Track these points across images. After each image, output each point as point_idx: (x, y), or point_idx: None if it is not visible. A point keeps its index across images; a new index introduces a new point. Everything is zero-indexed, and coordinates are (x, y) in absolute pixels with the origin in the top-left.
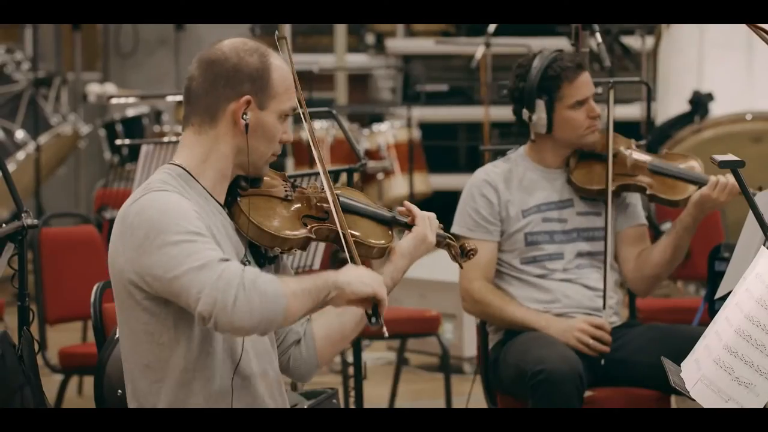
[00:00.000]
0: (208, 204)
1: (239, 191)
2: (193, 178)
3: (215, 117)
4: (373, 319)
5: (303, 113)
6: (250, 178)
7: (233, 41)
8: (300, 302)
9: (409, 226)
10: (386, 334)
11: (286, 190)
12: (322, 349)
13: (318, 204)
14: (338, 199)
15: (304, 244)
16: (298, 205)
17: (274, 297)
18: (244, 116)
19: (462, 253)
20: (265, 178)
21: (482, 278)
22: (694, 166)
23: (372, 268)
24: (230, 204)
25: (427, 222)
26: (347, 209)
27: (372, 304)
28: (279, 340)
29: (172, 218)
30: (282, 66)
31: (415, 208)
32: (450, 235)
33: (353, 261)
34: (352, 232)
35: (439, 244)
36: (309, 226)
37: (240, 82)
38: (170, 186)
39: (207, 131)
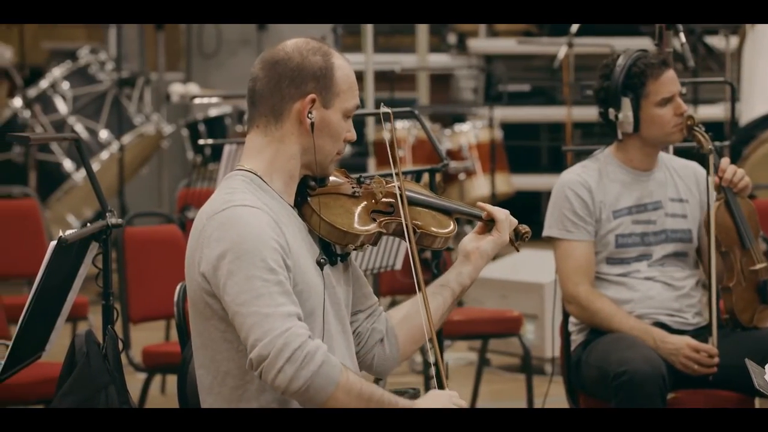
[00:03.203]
0: (282, 207)
1: (308, 191)
2: (265, 182)
3: (280, 117)
4: None
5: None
6: (317, 177)
7: (296, 41)
8: (350, 401)
9: (485, 221)
10: None
11: (353, 187)
12: (405, 345)
13: (384, 199)
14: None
15: (375, 239)
16: (365, 201)
17: (324, 381)
18: (310, 115)
19: (517, 237)
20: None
21: (586, 282)
22: None
23: (450, 263)
24: (300, 204)
25: (507, 224)
26: (410, 201)
27: None
28: (363, 340)
29: (252, 245)
30: (344, 65)
31: (492, 209)
32: None
33: (412, 257)
34: (416, 222)
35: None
36: (378, 221)
37: (304, 81)
38: (250, 197)
39: (272, 132)
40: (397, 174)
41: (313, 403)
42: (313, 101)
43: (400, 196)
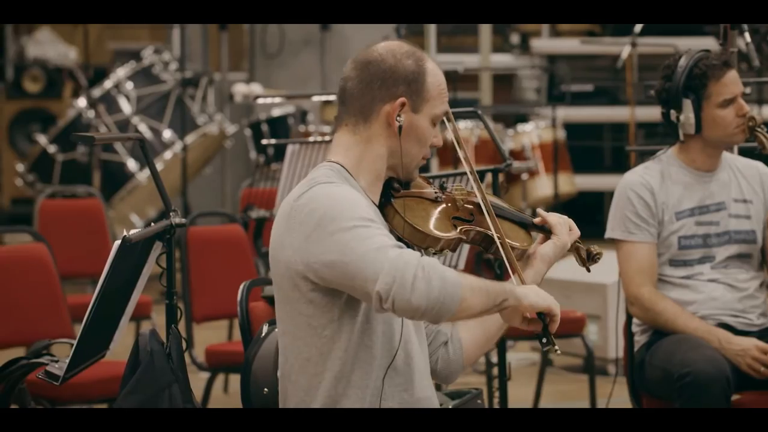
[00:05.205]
0: (367, 203)
1: (392, 192)
2: (352, 176)
3: (369, 118)
4: (545, 340)
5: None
6: (402, 180)
7: (390, 44)
8: (476, 297)
9: (547, 231)
10: (558, 351)
11: (435, 192)
12: (468, 350)
13: (464, 206)
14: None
15: (455, 244)
16: (447, 206)
17: (452, 283)
18: (398, 118)
19: (589, 257)
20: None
21: (649, 283)
22: None
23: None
24: (383, 205)
25: (566, 229)
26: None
27: (542, 326)
28: (428, 341)
29: (344, 206)
30: (436, 71)
31: (549, 216)
32: (578, 239)
33: (509, 262)
34: (495, 233)
35: (569, 247)
36: (459, 228)
37: (395, 84)
38: (335, 179)
39: (361, 132)
40: (473, 175)
41: (448, 311)
42: (403, 105)
43: (485, 206)
